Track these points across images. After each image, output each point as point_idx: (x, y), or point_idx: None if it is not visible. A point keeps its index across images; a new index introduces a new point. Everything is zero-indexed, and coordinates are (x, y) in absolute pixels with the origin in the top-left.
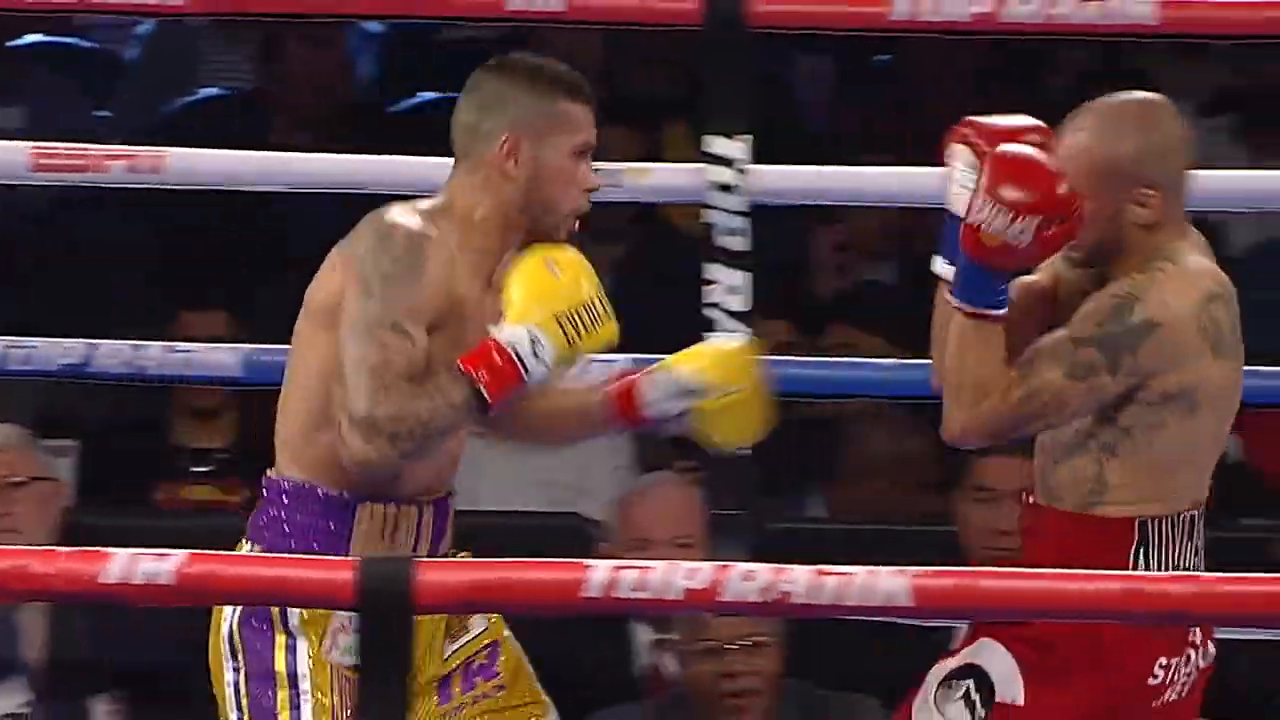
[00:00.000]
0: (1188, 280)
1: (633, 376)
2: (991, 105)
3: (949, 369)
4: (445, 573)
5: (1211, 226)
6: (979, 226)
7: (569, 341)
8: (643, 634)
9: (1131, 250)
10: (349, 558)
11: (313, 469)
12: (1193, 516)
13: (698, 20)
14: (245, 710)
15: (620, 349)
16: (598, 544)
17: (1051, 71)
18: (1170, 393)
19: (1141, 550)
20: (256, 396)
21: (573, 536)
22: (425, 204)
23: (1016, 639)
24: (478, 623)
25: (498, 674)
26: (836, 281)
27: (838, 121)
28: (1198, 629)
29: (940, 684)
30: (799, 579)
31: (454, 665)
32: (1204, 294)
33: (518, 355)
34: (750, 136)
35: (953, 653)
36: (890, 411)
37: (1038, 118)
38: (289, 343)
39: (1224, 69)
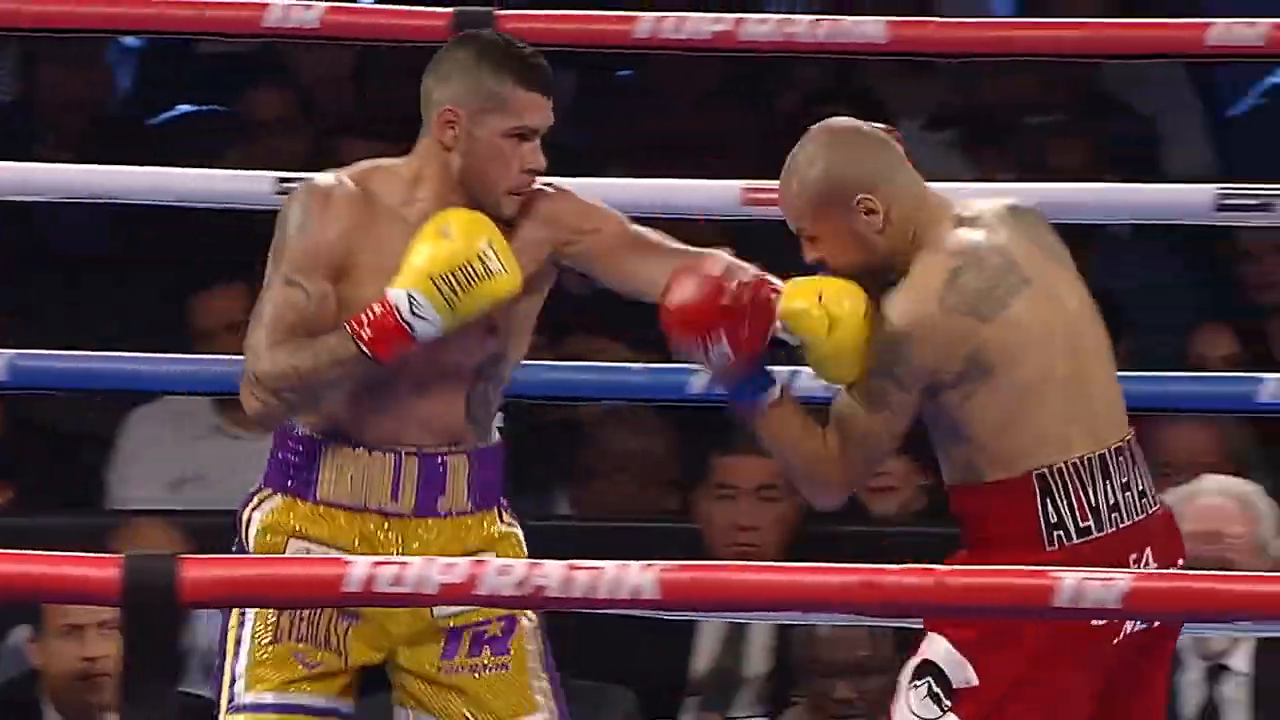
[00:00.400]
0: (924, 275)
1: (380, 320)
2: (729, 119)
3: (782, 468)
4: (209, 569)
5: None
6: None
7: (447, 300)
8: None
9: (895, 254)
10: (114, 555)
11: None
12: (1101, 457)
13: (447, 36)
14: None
15: None
16: None
17: (787, 87)
18: (959, 372)
19: (1049, 500)
20: (23, 400)
21: None
22: (378, 162)
23: (948, 623)
24: None
25: (507, 653)
26: (579, 289)
27: (583, 133)
28: (1148, 550)
29: (907, 686)
30: (552, 573)
31: (465, 624)
32: (941, 280)
33: (399, 314)
34: None
35: (909, 654)
36: (631, 413)
37: (772, 131)
38: (54, 347)
39: (946, 86)
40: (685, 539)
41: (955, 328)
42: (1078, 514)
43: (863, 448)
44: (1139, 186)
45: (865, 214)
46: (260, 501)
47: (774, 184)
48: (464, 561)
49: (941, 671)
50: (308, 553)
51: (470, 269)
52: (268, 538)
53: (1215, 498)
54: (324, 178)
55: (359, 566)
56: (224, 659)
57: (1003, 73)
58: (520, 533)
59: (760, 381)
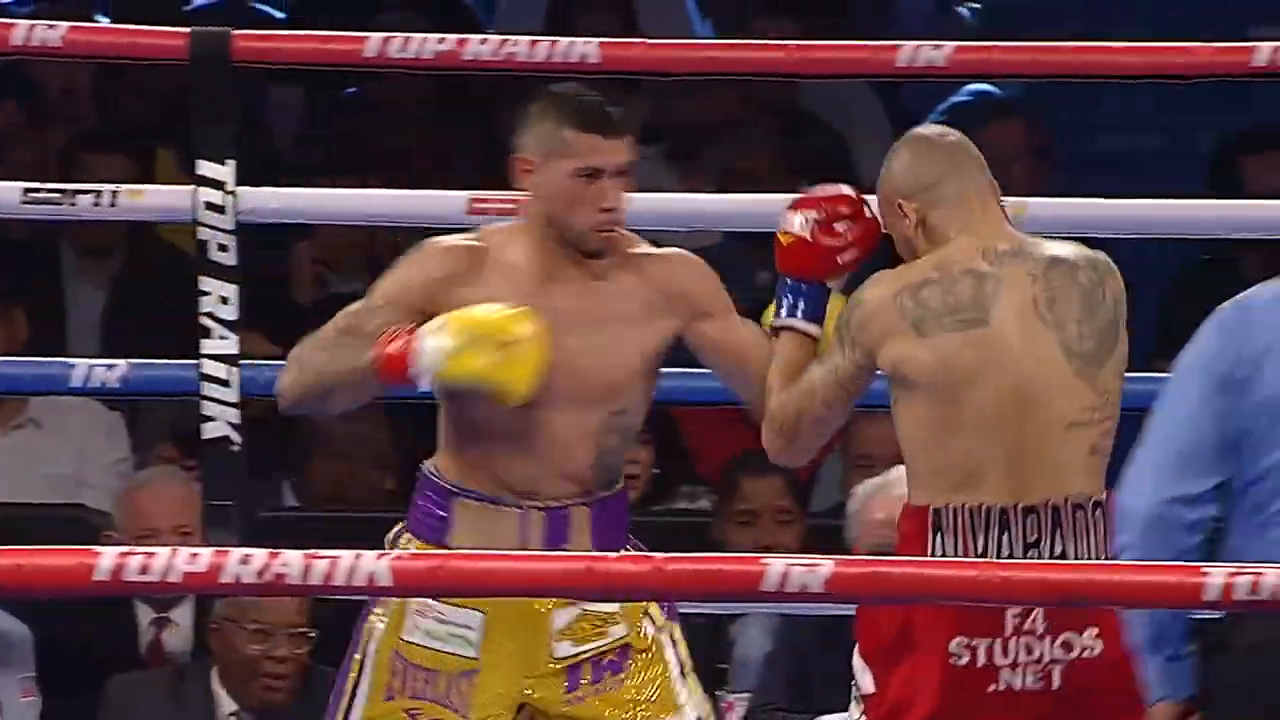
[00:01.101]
0: (903, 270)
1: (401, 340)
2: (450, 134)
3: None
4: None
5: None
6: (778, 233)
7: (453, 352)
8: (144, 613)
9: (920, 253)
10: None
11: (440, 461)
12: (1004, 509)
13: (185, 56)
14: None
15: (120, 353)
16: (102, 534)
17: (508, 103)
18: (890, 374)
19: (939, 537)
20: None
21: (78, 527)
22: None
23: (860, 632)
24: (615, 630)
25: (623, 670)
26: (312, 293)
27: (311, 146)
28: (1037, 612)
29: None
30: (292, 562)
31: (581, 658)
32: (909, 281)
33: (417, 355)
34: (235, 161)
35: None
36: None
37: (492, 145)
38: None
39: (654, 103)
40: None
41: (893, 325)
42: (962, 555)
43: (802, 397)
44: None
45: (903, 217)
46: (404, 546)
47: (499, 194)
48: (207, 552)
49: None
50: (427, 606)
51: (490, 338)
52: None
53: (904, 488)
54: (447, 237)
55: (107, 557)
56: (339, 699)
57: (706, 90)
58: None
59: (806, 303)
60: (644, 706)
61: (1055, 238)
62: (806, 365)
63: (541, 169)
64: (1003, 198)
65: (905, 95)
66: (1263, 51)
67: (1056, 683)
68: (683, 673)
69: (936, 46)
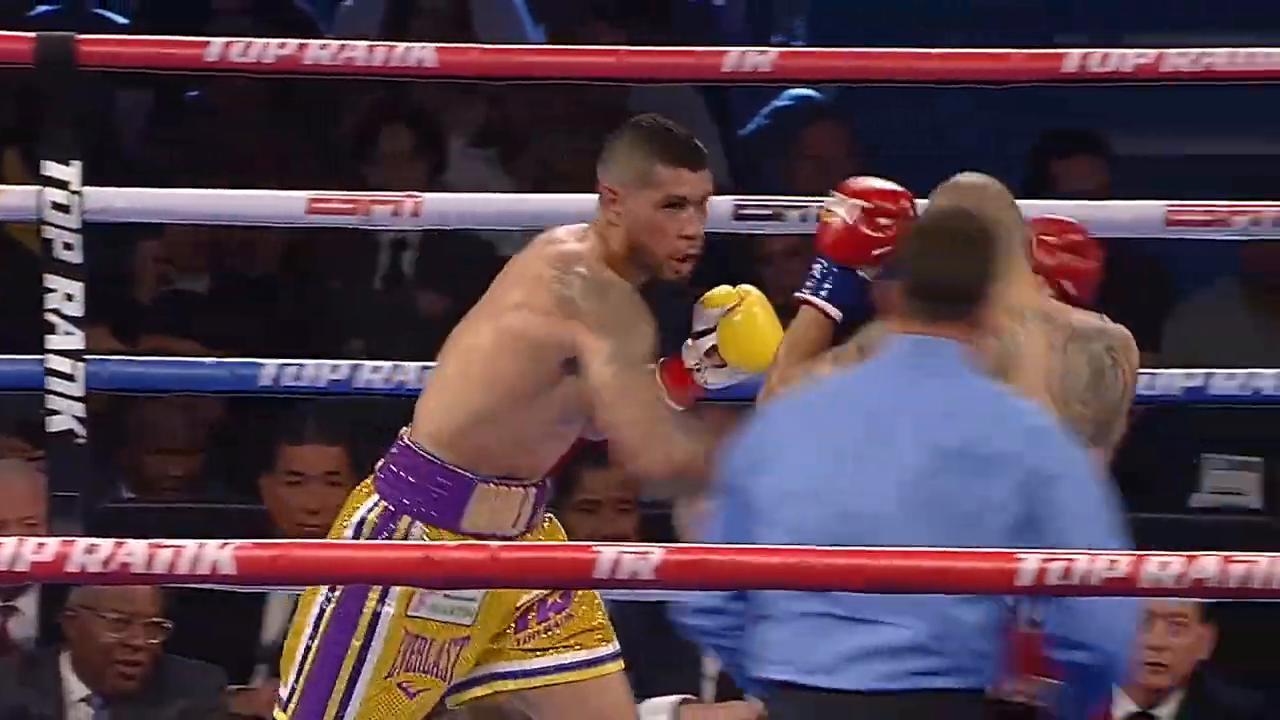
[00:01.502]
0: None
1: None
2: (291, 136)
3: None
4: None
5: (485, 242)
6: (820, 213)
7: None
8: None
9: None
10: None
11: (452, 451)
12: None
13: (30, 60)
14: (316, 644)
15: None
16: None
17: (348, 106)
18: None
19: None
20: None
21: None
22: (586, 244)
23: None
24: None
25: (568, 607)
26: (154, 290)
27: (155, 148)
28: None
29: None
30: (136, 551)
31: (529, 604)
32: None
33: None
34: (80, 162)
35: None
36: (197, 406)
37: (330, 147)
38: None
39: (488, 106)
40: (236, 518)
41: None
42: None
43: None
44: None
45: None
46: (404, 529)
47: (339, 194)
48: (54, 541)
49: None
50: None
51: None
52: None
53: None
54: (582, 263)
55: None
56: (329, 682)
57: (537, 94)
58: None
59: (841, 288)
60: (591, 633)
61: None
62: (818, 347)
63: (628, 199)
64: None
65: (731, 103)
66: (1073, 58)
67: None
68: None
69: (762, 52)
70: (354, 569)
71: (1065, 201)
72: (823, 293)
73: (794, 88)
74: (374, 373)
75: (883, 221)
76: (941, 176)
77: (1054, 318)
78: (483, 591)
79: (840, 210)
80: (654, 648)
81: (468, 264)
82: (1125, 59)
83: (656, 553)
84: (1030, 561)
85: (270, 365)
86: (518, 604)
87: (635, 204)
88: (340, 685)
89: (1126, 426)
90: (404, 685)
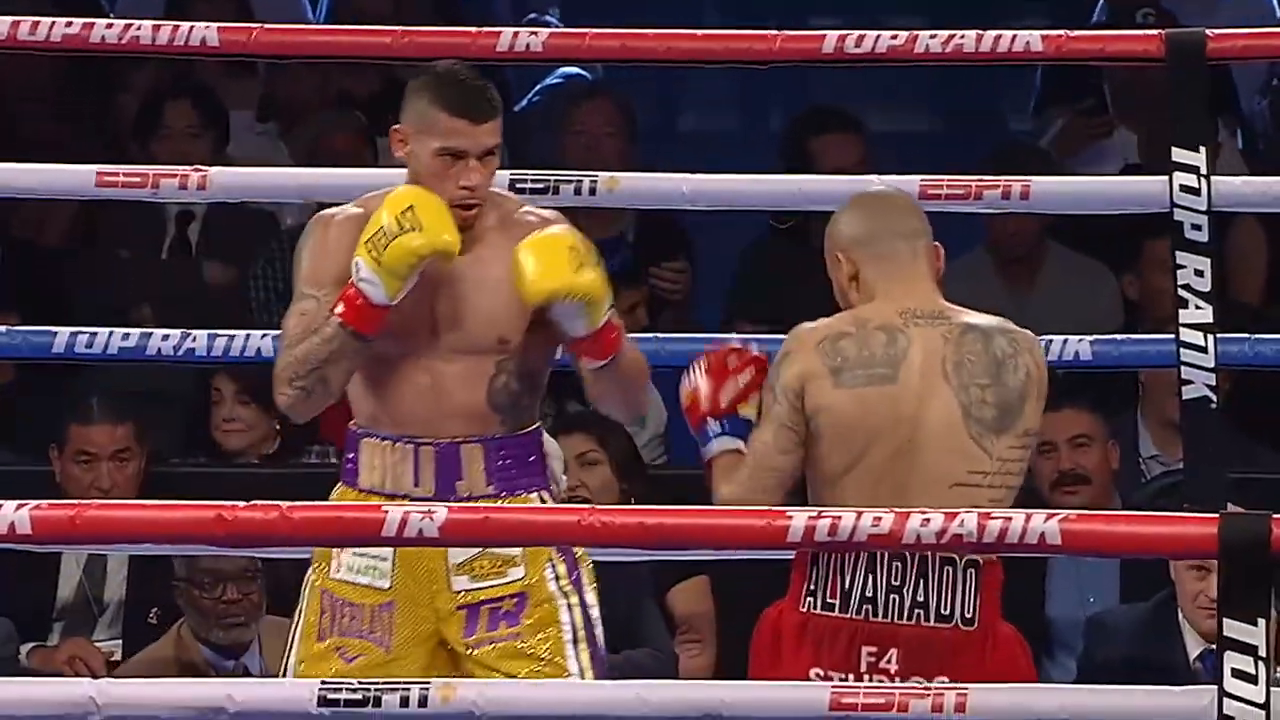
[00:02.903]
0: (827, 321)
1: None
2: (72, 114)
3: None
4: None
5: (268, 214)
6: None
7: (376, 260)
8: None
9: (852, 304)
10: None
11: (355, 410)
12: (868, 555)
13: None
14: None
15: None
16: None
17: (126, 84)
18: (809, 417)
19: (814, 570)
20: None
21: None
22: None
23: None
24: (514, 572)
25: (519, 624)
26: None
27: None
28: (893, 651)
29: None
30: None
31: (480, 600)
32: (831, 332)
33: (355, 285)
34: None
35: None
36: None
37: (113, 124)
38: None
39: (269, 83)
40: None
41: (816, 369)
42: (828, 591)
43: (754, 456)
44: None
45: (840, 266)
46: (337, 495)
47: (127, 168)
48: None
49: None
50: None
51: (387, 230)
52: None
53: None
54: (336, 208)
55: None
56: (288, 648)
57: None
58: None
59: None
60: (536, 664)
61: (655, 211)
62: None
63: (413, 142)
64: (617, 174)
65: (507, 80)
66: (830, 40)
67: None
68: (575, 639)
69: (533, 33)
70: (147, 529)
71: (824, 177)
72: (722, 439)
73: (563, 66)
74: (164, 340)
75: (737, 380)
76: (698, 152)
77: (950, 317)
78: (391, 551)
79: (698, 392)
80: None
81: (251, 235)
82: (880, 40)
83: (441, 511)
84: (799, 519)
85: (63, 333)
86: (453, 587)
87: (419, 148)
88: (287, 648)
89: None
90: (340, 650)
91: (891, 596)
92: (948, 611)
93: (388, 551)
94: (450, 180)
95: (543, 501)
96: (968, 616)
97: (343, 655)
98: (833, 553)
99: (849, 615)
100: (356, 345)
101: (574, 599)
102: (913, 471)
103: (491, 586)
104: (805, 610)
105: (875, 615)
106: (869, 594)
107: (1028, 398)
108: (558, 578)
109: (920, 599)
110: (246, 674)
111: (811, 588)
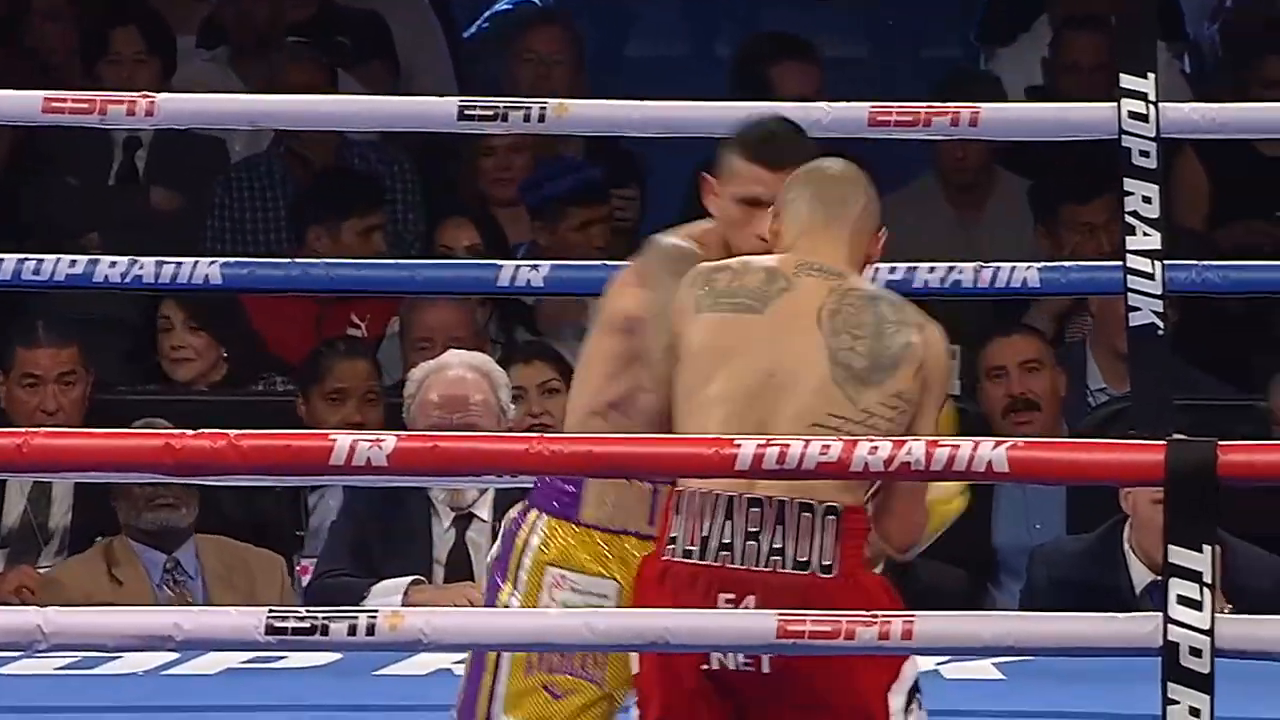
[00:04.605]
0: (717, 261)
1: None
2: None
3: None
4: None
5: (216, 140)
6: None
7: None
8: None
9: None
10: None
11: None
12: (730, 499)
13: None
14: None
15: None
16: None
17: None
18: (669, 345)
19: (676, 515)
20: None
21: None
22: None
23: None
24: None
25: None
26: None
27: None
28: (750, 598)
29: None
30: None
31: None
32: (712, 267)
33: None
34: None
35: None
36: None
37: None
38: None
39: (213, 6)
40: None
41: (684, 304)
42: (688, 537)
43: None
44: (389, 99)
45: (771, 221)
46: (531, 522)
47: (74, 94)
48: None
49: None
50: (562, 579)
51: None
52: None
53: (459, 370)
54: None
55: None
56: (479, 674)
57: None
58: None
59: None
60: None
61: (601, 135)
62: None
63: (720, 191)
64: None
65: (454, 7)
66: None
67: (765, 666)
68: None
69: None
70: (94, 457)
71: (779, 103)
72: None
73: None
74: (111, 267)
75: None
76: (647, 78)
77: (847, 278)
78: (616, 591)
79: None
80: (386, 533)
81: (200, 162)
82: None
83: (390, 440)
84: (747, 447)
85: (9, 260)
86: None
87: (721, 199)
88: (487, 679)
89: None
90: (548, 686)
91: (749, 543)
92: (805, 559)
93: (612, 589)
94: (749, 230)
95: None
96: (826, 564)
97: (551, 691)
98: (694, 500)
99: (706, 562)
100: None
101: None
102: (771, 407)
103: None
104: (666, 558)
105: (732, 562)
106: (726, 540)
107: (903, 364)
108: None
109: (778, 545)
110: (179, 569)
111: (673, 535)
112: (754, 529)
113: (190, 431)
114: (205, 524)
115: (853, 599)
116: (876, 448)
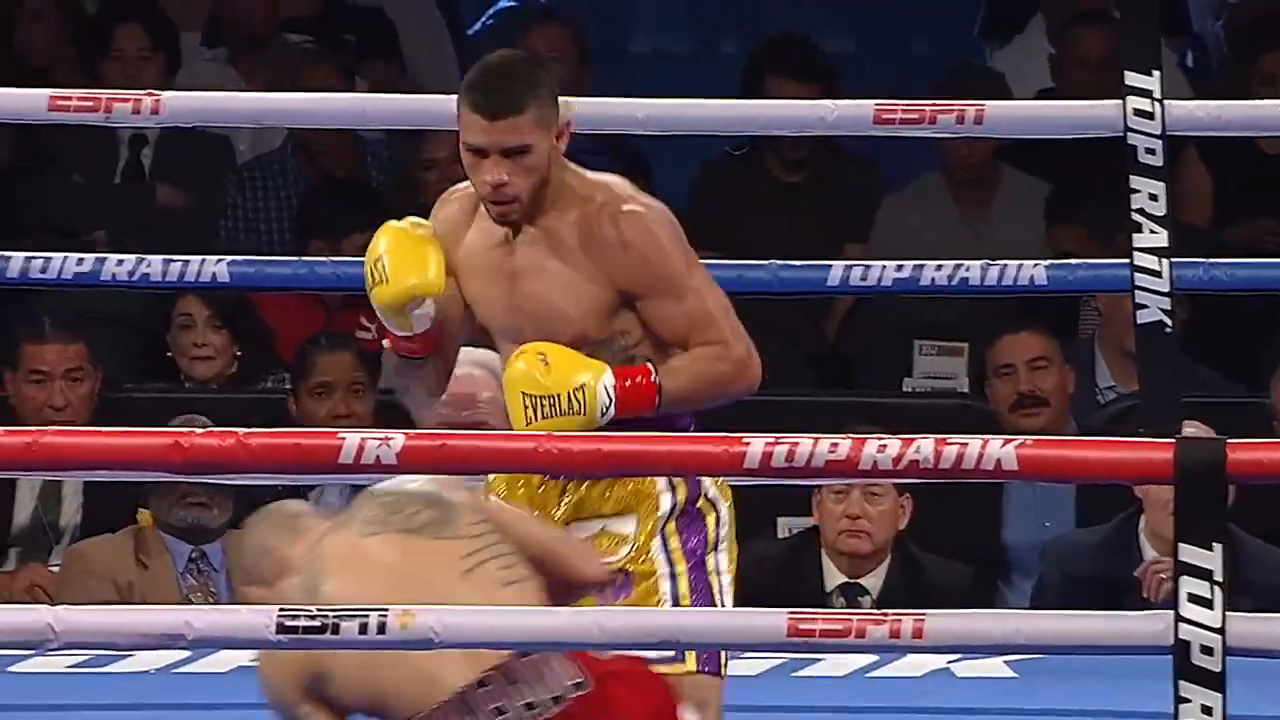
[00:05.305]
0: None
1: None
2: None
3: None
4: None
5: (221, 138)
6: None
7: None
8: None
9: None
10: None
11: None
12: None
13: None
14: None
15: None
16: None
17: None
18: None
19: None
20: None
21: None
22: None
23: None
24: (622, 549)
25: (631, 594)
26: None
27: None
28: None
29: None
30: None
31: None
32: None
33: None
34: None
35: None
36: None
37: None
38: None
39: (220, 3)
40: None
41: None
42: None
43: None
44: (397, 97)
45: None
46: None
47: (80, 92)
48: None
49: None
50: None
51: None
52: None
53: (467, 368)
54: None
55: None
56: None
57: None
58: None
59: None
60: None
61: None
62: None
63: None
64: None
65: (459, 4)
66: None
67: None
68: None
69: None
70: (103, 455)
71: (777, 101)
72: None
73: None
74: (119, 265)
75: None
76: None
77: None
78: None
79: None
80: None
81: (205, 160)
82: None
83: (398, 438)
84: (756, 445)
85: (17, 257)
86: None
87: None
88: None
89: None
90: None
91: None
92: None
93: None
94: (478, 177)
95: None
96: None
97: None
98: None
99: None
100: (418, 362)
101: (681, 567)
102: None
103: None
104: None
105: None
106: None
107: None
108: (668, 550)
109: None
110: (205, 560)
111: None
112: None
113: (200, 429)
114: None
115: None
116: (885, 445)
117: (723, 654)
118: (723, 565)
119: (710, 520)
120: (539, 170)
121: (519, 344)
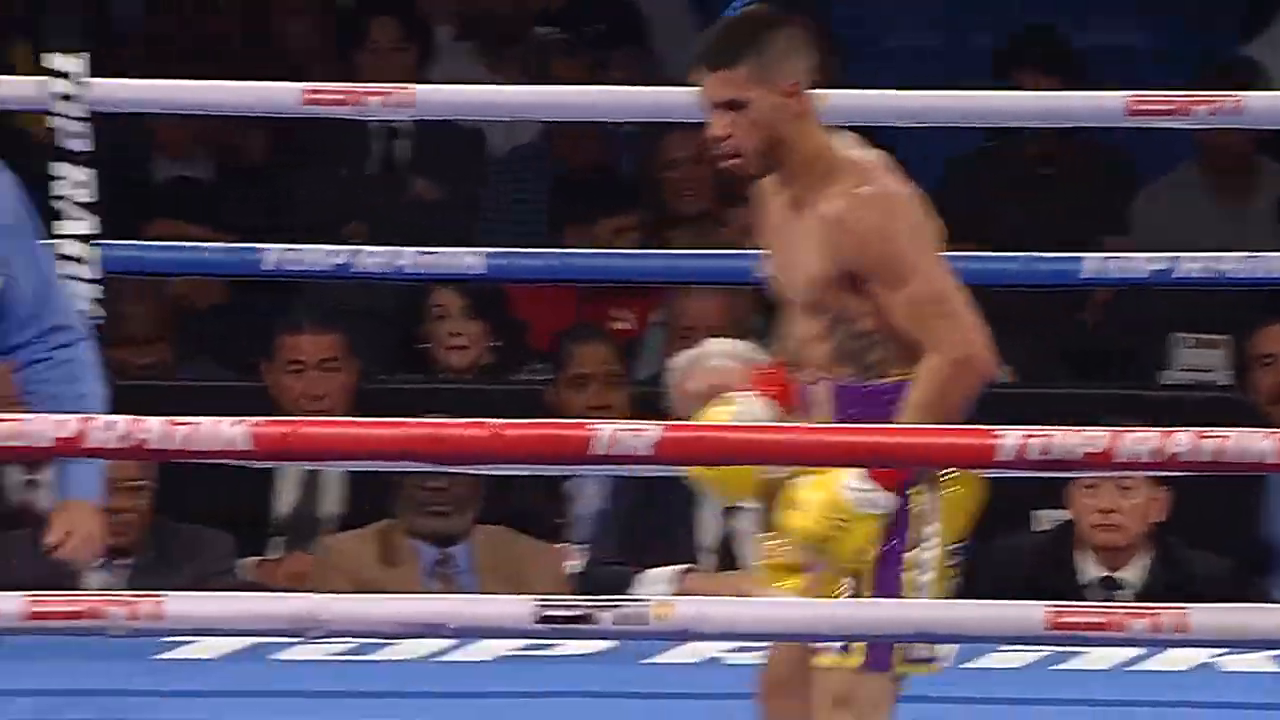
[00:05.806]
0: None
1: None
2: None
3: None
4: None
5: (475, 131)
6: None
7: None
8: (15, 474)
9: None
10: None
11: None
12: None
13: None
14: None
15: None
16: None
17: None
18: None
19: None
20: None
21: None
22: None
23: None
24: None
25: None
26: (163, 176)
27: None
28: None
29: None
30: (153, 428)
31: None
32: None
33: None
34: (86, 53)
35: None
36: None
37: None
38: None
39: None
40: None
41: None
42: None
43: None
44: (648, 90)
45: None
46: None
47: (334, 85)
48: (74, 418)
49: None
50: None
51: None
52: None
53: (719, 359)
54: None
55: None
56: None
57: None
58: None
59: None
60: None
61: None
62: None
63: None
64: None
65: None
66: None
67: None
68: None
69: None
70: (360, 445)
71: (1029, 93)
72: None
73: None
74: (372, 257)
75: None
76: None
77: None
78: None
79: None
80: (652, 521)
81: (459, 152)
82: None
83: (652, 429)
84: (1010, 438)
85: (273, 250)
86: None
87: None
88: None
89: None
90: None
91: None
92: None
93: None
94: (707, 130)
95: None
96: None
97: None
98: None
99: None
100: None
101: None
102: None
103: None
104: None
105: None
106: None
107: None
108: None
109: None
110: (451, 562)
111: None
112: None
113: (456, 420)
114: (486, 515)
115: None
116: (1144, 438)
117: (895, 652)
118: (925, 561)
119: (914, 513)
120: (763, 126)
121: (789, 305)
